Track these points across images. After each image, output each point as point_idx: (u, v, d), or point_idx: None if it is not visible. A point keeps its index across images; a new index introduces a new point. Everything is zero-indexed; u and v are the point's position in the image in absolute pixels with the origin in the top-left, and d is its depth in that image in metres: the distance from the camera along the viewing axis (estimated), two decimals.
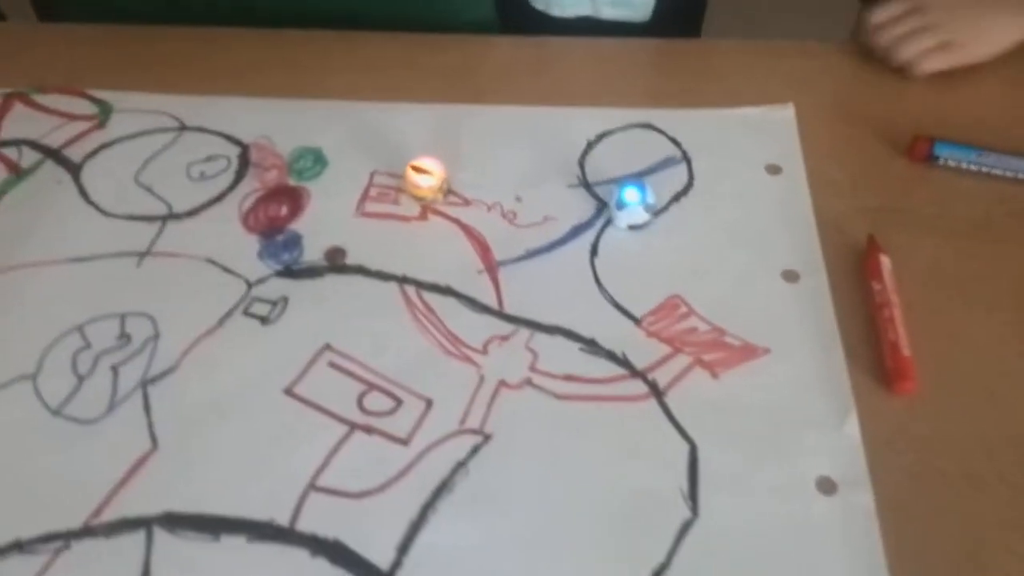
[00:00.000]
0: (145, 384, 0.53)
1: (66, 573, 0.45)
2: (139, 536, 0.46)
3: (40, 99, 0.71)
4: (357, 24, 0.75)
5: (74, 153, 0.66)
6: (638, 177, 0.62)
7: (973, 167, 0.62)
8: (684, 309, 0.56)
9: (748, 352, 0.53)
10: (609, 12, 0.77)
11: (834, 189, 0.62)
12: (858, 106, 0.68)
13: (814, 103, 0.68)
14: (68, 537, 0.46)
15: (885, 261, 0.56)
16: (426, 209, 0.62)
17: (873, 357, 0.53)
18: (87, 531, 0.46)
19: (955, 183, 0.62)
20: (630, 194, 0.59)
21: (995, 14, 0.66)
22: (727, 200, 0.62)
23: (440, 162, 0.61)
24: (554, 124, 0.67)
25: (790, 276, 0.57)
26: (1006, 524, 0.47)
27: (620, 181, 0.61)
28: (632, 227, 0.60)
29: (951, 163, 0.63)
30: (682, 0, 0.78)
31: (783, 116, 0.67)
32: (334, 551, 0.45)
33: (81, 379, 0.53)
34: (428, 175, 0.61)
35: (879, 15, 0.69)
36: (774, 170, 0.63)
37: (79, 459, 0.49)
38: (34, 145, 0.67)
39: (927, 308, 0.55)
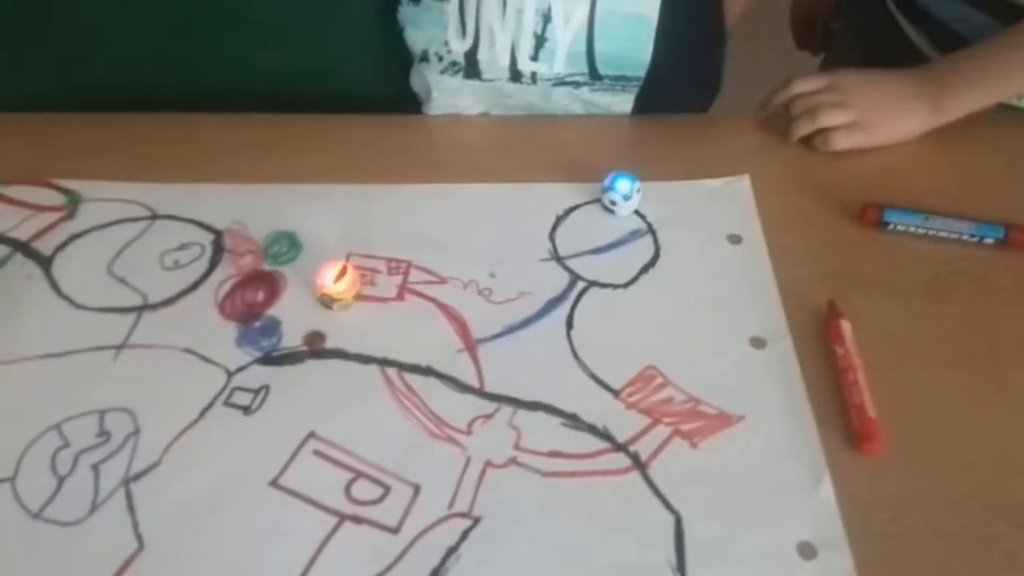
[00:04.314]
0: (128, 482, 0.52)
1: None
2: None
3: (6, 191, 0.70)
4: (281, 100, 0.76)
5: (44, 245, 0.66)
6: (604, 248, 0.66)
7: (921, 230, 0.66)
8: (660, 380, 0.58)
9: (723, 420, 0.55)
10: None
11: (792, 257, 0.65)
12: (810, 174, 0.71)
13: (769, 173, 0.71)
14: None
15: (846, 325, 0.59)
16: (403, 289, 0.63)
17: (841, 419, 0.55)
18: None
19: (905, 246, 0.66)
20: (624, 185, 0.66)
21: (904, 103, 0.71)
22: (692, 270, 0.64)
23: (348, 263, 0.61)
24: (523, 199, 0.69)
25: (757, 343, 0.60)
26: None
27: (610, 178, 0.67)
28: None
29: (900, 227, 0.66)
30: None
31: (740, 187, 0.70)
32: None
33: (61, 480, 0.52)
34: (337, 282, 0.60)
35: (800, 85, 0.73)
36: (735, 240, 0.66)
37: (62, 563, 0.49)
38: (1, 239, 0.67)
39: (887, 368, 0.58)
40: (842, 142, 0.72)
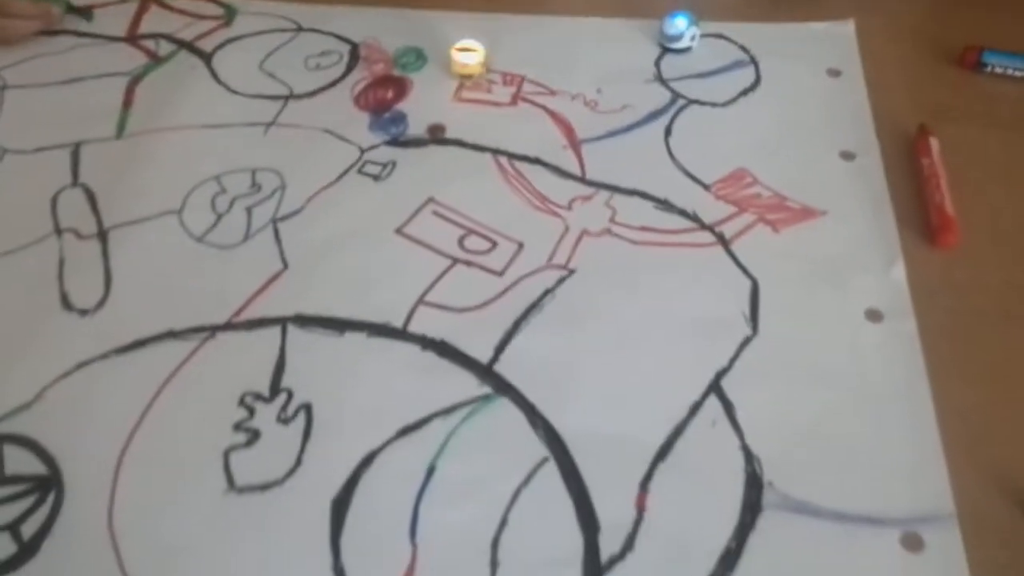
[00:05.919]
0: (275, 221, 0.61)
1: (214, 356, 0.53)
2: (275, 330, 0.54)
3: (172, 2, 0.80)
4: None
5: (205, 45, 0.75)
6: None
7: (1018, 73, 0.68)
8: (750, 179, 0.62)
9: (807, 213, 0.60)
10: None
11: (889, 90, 0.68)
12: (913, 24, 0.74)
13: (874, 22, 0.74)
14: (214, 329, 0.54)
15: (934, 142, 0.62)
16: (516, 97, 0.69)
17: (920, 221, 0.59)
18: (230, 325, 0.54)
19: (1002, 87, 0.68)
20: (680, 23, 0.71)
21: None
22: (791, 95, 0.68)
23: (480, 42, 0.70)
24: (632, 31, 0.74)
25: (847, 156, 0.63)
26: None
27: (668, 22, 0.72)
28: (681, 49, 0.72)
29: (998, 70, 0.68)
30: None
31: (844, 30, 0.73)
32: (441, 347, 0.53)
33: (219, 216, 0.61)
34: (471, 52, 0.70)
35: None
36: (834, 73, 0.70)
37: (221, 274, 0.57)
38: (169, 38, 0.76)
39: (972, 187, 0.61)
40: None
